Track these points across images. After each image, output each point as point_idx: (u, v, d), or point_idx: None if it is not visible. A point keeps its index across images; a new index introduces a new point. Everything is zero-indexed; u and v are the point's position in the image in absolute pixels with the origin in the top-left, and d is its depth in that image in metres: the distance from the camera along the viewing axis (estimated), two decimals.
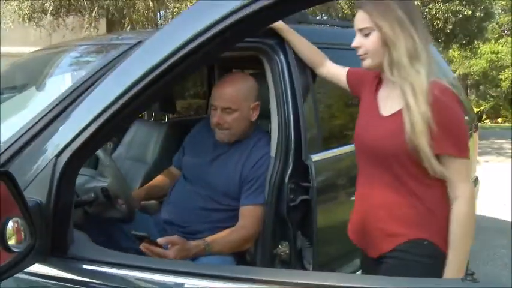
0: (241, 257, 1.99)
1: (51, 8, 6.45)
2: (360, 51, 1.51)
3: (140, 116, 3.35)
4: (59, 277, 0.89)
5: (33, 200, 0.88)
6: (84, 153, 0.90)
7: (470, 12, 10.66)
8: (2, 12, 6.69)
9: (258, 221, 1.86)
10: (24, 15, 6.73)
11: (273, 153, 1.89)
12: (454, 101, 1.44)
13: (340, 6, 7.79)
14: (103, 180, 1.72)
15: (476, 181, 3.34)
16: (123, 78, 0.84)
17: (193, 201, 1.98)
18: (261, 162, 1.93)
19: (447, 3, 10.49)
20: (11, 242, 0.79)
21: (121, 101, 0.81)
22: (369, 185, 1.55)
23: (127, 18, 7.37)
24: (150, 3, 7.47)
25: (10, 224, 0.79)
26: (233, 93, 1.94)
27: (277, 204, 1.84)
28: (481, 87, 25.84)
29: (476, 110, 21.89)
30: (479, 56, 21.55)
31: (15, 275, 0.84)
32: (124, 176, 1.75)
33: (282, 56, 1.90)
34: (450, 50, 16.52)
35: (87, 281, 0.91)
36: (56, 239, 0.89)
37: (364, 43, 1.49)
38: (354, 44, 1.53)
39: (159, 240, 1.60)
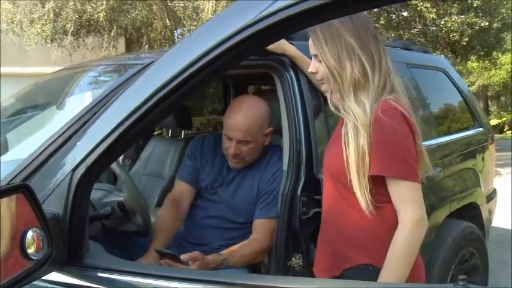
0: (255, 269, 2.02)
1: (71, 29, 6.66)
2: (317, 77, 1.47)
3: (158, 132, 3.44)
4: (75, 284, 0.93)
5: (51, 212, 0.94)
6: (98, 168, 0.95)
7: (487, 24, 10.59)
8: (26, 35, 6.95)
9: (271, 234, 1.89)
10: (47, 36, 6.95)
11: (285, 167, 1.92)
12: (395, 120, 1.33)
13: None
14: (120, 194, 1.77)
15: (494, 193, 3.32)
16: (134, 95, 0.90)
17: (209, 221, 2.00)
18: (274, 177, 1.96)
19: (463, 16, 10.46)
20: (30, 250, 0.85)
21: (132, 118, 0.86)
22: (324, 206, 1.55)
23: (145, 37, 7.55)
24: (167, 22, 7.64)
25: (30, 234, 0.84)
26: (248, 126, 1.90)
27: (289, 217, 1.87)
28: (502, 98, 25.46)
29: (497, 121, 21.56)
30: (499, 66, 21.29)
31: (35, 283, 0.89)
32: (140, 191, 1.80)
33: (292, 73, 1.94)
34: (469, 62, 16.38)
35: None
36: (72, 249, 0.94)
37: (319, 69, 1.44)
38: (309, 70, 1.49)
39: (182, 257, 1.64)
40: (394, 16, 10.43)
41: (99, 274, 0.95)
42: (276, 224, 1.88)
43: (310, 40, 1.45)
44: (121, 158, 3.22)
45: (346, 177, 1.38)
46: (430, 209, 2.47)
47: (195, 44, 0.87)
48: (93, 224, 1.74)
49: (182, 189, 2.06)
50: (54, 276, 0.93)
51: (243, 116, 1.91)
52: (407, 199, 1.35)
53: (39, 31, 6.86)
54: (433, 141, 2.59)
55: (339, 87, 1.39)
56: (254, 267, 1.99)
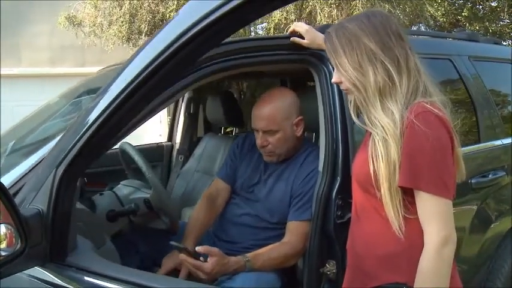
0: (288, 274, 1.93)
1: (146, 29, 6.92)
2: (342, 87, 1.35)
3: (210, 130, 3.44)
4: (52, 282, 0.92)
5: (36, 208, 0.93)
6: (79, 165, 0.94)
7: None
8: (105, 36, 7.34)
9: (304, 238, 1.80)
10: (123, 37, 7.28)
11: (320, 167, 1.82)
12: (430, 125, 1.20)
13: (429, 14, 7.39)
14: (147, 192, 1.77)
15: None
16: (106, 95, 0.88)
17: (243, 219, 1.96)
18: (309, 177, 1.87)
19: None
20: (3, 246, 0.84)
21: (103, 116, 0.84)
22: (353, 215, 1.43)
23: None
24: None
25: (3, 230, 0.84)
26: (271, 114, 1.86)
27: (323, 220, 1.77)
28: None
29: None
30: None
31: (18, 275, 0.89)
32: (165, 189, 1.79)
33: (330, 67, 1.83)
34: None
35: None
36: (54, 246, 0.93)
37: (341, 78, 1.32)
38: (333, 80, 1.37)
39: (198, 248, 1.59)
40: (480, 7, 9.71)
41: (77, 275, 0.93)
42: (309, 227, 1.79)
43: (327, 49, 1.33)
44: (175, 154, 3.27)
45: (374, 187, 1.26)
46: (492, 218, 2.25)
47: (158, 42, 0.84)
48: (120, 220, 1.76)
49: (218, 186, 2.08)
50: (36, 271, 0.93)
51: (266, 105, 1.88)
52: (433, 217, 1.21)
53: (117, 32, 7.19)
54: (498, 142, 2.34)
55: (363, 97, 1.26)
56: (287, 272, 1.91)
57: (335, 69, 1.34)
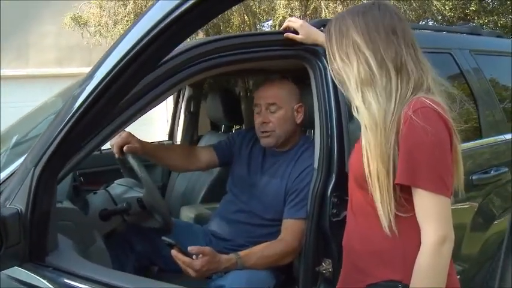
0: (285, 273, 1.91)
1: None
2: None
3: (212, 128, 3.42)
4: (30, 283, 0.91)
5: (14, 208, 0.92)
6: (56, 163, 0.92)
7: None
8: (110, 36, 7.36)
9: (299, 236, 1.78)
10: None
11: (315, 164, 1.80)
12: (429, 121, 1.17)
13: (436, 9, 7.30)
14: (140, 191, 1.76)
15: None
16: (82, 91, 0.87)
17: (237, 216, 1.96)
18: (304, 174, 1.85)
19: None
20: None
21: (78, 113, 0.83)
22: (349, 215, 1.40)
23: (223, 34, 7.63)
24: (245, 17, 7.66)
25: None
26: (277, 91, 1.95)
27: (319, 218, 1.74)
28: None
29: None
30: None
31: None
32: (157, 188, 1.78)
33: (325, 62, 1.80)
34: None
35: None
36: (33, 246, 0.92)
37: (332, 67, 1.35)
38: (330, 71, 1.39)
39: (190, 248, 1.59)
40: (489, 1, 9.57)
41: (55, 275, 0.92)
42: (305, 225, 1.77)
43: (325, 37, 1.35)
44: None
45: (367, 183, 1.24)
46: (495, 215, 2.20)
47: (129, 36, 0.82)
48: (113, 219, 1.75)
49: (206, 150, 2.15)
50: (14, 271, 0.91)
51: (271, 84, 1.98)
52: (431, 215, 1.18)
53: (122, 31, 7.21)
54: (500, 137, 2.29)
55: (347, 87, 1.28)
56: (283, 270, 1.89)
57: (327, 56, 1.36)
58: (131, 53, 0.83)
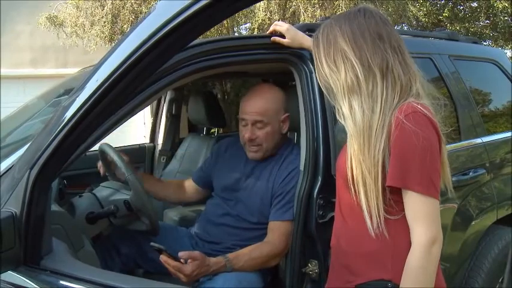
0: (272, 274, 1.93)
1: (128, 29, 6.86)
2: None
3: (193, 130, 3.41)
4: (25, 287, 0.90)
5: (9, 211, 0.91)
6: (52, 167, 0.92)
7: None
8: (87, 37, 7.26)
9: (286, 238, 1.79)
10: (105, 37, 7.21)
11: (301, 166, 1.82)
12: (420, 125, 1.20)
13: (412, 14, 7.45)
14: (127, 193, 1.75)
15: None
16: (80, 94, 0.87)
17: (224, 219, 1.96)
18: (290, 177, 1.86)
19: None
20: None
21: (76, 116, 0.83)
22: (338, 215, 1.42)
23: (200, 37, 7.61)
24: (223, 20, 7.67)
25: None
26: (264, 106, 1.88)
27: (305, 220, 1.77)
28: None
29: None
30: None
31: None
32: (145, 190, 1.77)
33: (311, 66, 1.83)
34: None
35: None
36: (28, 249, 0.91)
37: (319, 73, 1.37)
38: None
39: (180, 254, 1.59)
40: (461, 8, 9.81)
41: (50, 279, 0.91)
42: (291, 227, 1.79)
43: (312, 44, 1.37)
44: (157, 155, 3.24)
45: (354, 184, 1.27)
46: (473, 215, 2.27)
47: (128, 43, 0.83)
48: (100, 222, 1.74)
49: (190, 184, 2.22)
50: (9, 275, 0.90)
51: (257, 97, 1.91)
52: (421, 216, 1.21)
53: (99, 32, 7.12)
54: (478, 140, 2.36)
55: (334, 94, 1.30)
56: (271, 272, 1.90)
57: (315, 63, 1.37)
58: (134, 55, 0.82)
